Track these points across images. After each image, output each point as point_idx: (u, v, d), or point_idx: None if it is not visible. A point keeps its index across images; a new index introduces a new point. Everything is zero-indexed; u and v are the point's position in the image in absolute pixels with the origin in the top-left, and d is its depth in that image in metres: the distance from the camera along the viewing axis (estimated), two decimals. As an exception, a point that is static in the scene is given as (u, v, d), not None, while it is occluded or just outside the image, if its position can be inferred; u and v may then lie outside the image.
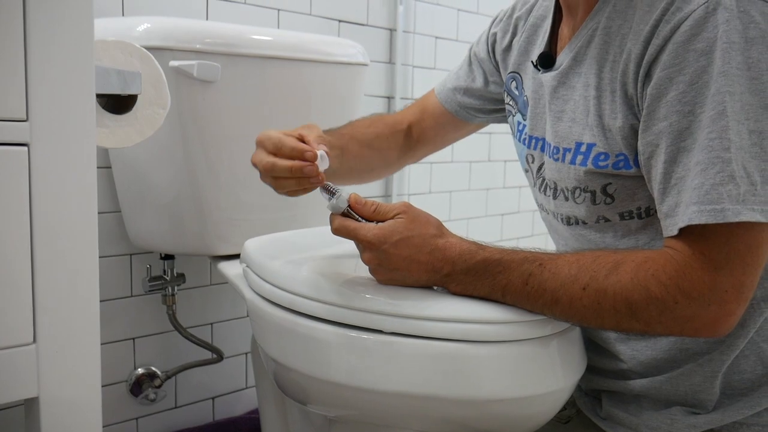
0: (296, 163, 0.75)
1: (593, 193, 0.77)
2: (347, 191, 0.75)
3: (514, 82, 0.94)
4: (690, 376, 0.77)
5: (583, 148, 0.76)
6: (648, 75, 0.68)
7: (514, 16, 0.95)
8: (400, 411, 0.74)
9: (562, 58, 0.80)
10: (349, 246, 0.82)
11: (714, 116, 0.63)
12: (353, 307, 0.72)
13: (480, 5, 1.81)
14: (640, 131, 0.70)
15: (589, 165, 0.76)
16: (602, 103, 0.74)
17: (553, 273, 0.69)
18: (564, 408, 0.90)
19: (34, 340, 0.53)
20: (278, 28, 1.40)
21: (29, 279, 0.52)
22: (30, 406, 0.55)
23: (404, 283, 0.74)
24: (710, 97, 0.63)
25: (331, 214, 0.75)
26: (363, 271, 0.79)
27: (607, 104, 0.73)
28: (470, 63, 1.04)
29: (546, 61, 0.83)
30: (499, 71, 0.99)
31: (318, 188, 0.77)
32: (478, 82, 1.02)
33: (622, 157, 0.73)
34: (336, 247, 0.88)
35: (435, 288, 0.75)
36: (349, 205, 0.74)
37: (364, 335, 0.72)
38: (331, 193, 0.75)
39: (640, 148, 0.70)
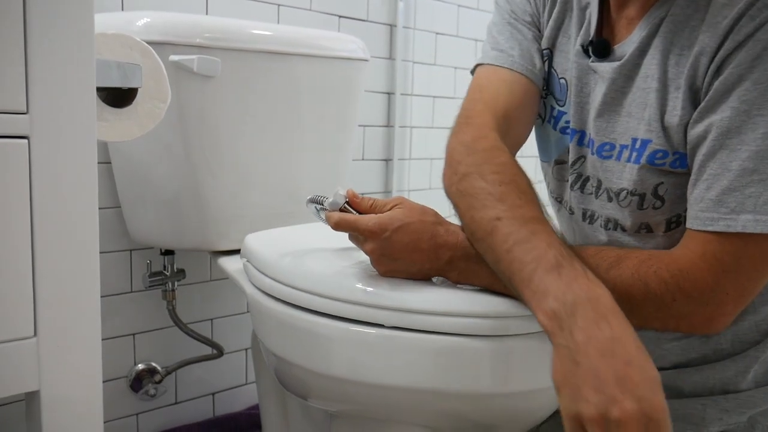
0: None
1: (642, 197, 0.74)
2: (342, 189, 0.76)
3: (547, 61, 0.85)
4: (722, 371, 0.77)
5: (637, 144, 0.73)
6: (719, 70, 0.65)
7: None
8: (401, 405, 0.73)
9: (624, 49, 0.74)
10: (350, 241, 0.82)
11: None
12: (354, 302, 0.72)
13: (480, 1, 1.81)
14: (692, 120, 0.67)
15: (644, 162, 0.72)
16: (665, 98, 0.70)
17: None
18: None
19: (35, 334, 0.53)
20: (278, 23, 1.40)
21: (30, 272, 0.52)
22: (31, 400, 0.55)
23: (406, 274, 0.73)
24: None
25: (329, 212, 0.76)
26: (364, 265, 0.79)
27: (670, 100, 0.70)
28: (517, 21, 0.86)
29: (601, 49, 0.76)
30: (539, 31, 0.86)
31: (306, 203, 0.80)
32: (528, 33, 0.85)
33: (678, 156, 0.71)
34: (337, 242, 0.88)
35: (434, 279, 0.75)
36: (347, 201, 0.75)
37: (365, 330, 0.72)
38: (320, 202, 0.77)
39: (689, 137, 0.68)
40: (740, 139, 0.63)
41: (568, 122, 0.82)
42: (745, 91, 0.63)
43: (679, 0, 0.70)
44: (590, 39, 0.78)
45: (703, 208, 0.64)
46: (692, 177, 0.67)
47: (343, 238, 0.80)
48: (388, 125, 1.67)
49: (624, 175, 0.75)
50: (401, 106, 1.67)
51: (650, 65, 0.71)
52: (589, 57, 0.78)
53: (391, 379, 0.70)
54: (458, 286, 0.74)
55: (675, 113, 0.69)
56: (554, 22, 0.83)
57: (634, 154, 0.73)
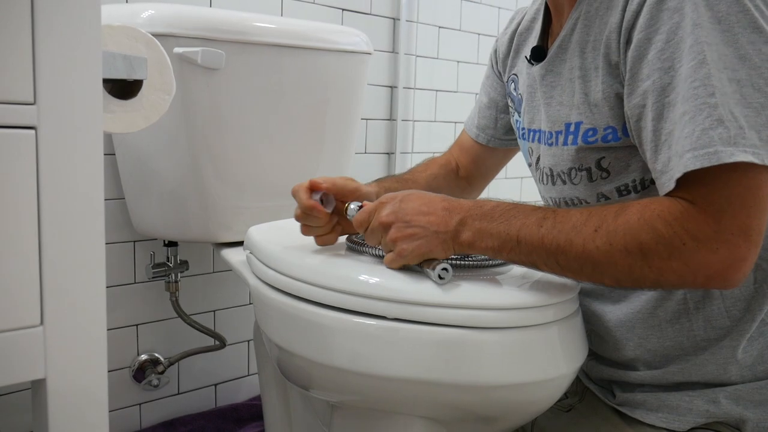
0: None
1: (588, 170, 0.78)
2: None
3: (513, 84, 0.96)
4: (703, 365, 0.77)
5: (572, 128, 0.79)
6: (628, 40, 0.70)
7: (514, 22, 1.00)
8: (402, 396, 0.74)
9: (551, 50, 0.84)
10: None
11: (695, 65, 0.64)
12: (356, 293, 0.73)
13: (483, -5, 1.81)
14: (625, 96, 0.71)
15: (579, 143, 0.78)
16: (587, 80, 0.77)
17: (566, 217, 0.69)
18: (566, 396, 0.91)
19: (42, 323, 0.53)
20: (282, 16, 1.40)
21: (37, 262, 0.52)
22: (37, 388, 0.56)
23: (418, 247, 0.73)
24: (688, 49, 0.65)
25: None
26: (366, 257, 0.80)
27: (591, 80, 0.76)
28: (481, 88, 1.09)
29: (538, 55, 0.86)
30: (502, 82, 1.03)
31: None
32: (484, 99, 1.07)
33: (609, 130, 0.75)
34: (339, 235, 0.88)
35: (432, 275, 0.75)
36: (360, 205, 0.80)
37: (367, 321, 0.72)
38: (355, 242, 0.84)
39: (627, 112, 0.71)
40: (676, 93, 0.65)
41: (524, 128, 0.91)
42: (661, 51, 0.67)
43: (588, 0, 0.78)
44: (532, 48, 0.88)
45: (674, 164, 0.66)
46: (650, 146, 0.68)
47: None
48: (391, 119, 1.67)
49: (565, 157, 0.80)
50: (404, 99, 1.67)
51: (572, 58, 0.79)
52: (532, 64, 0.87)
53: (392, 371, 0.71)
54: (462, 269, 0.75)
55: (598, 89, 0.75)
56: (515, 53, 0.97)
57: (570, 137, 0.79)
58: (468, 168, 1.11)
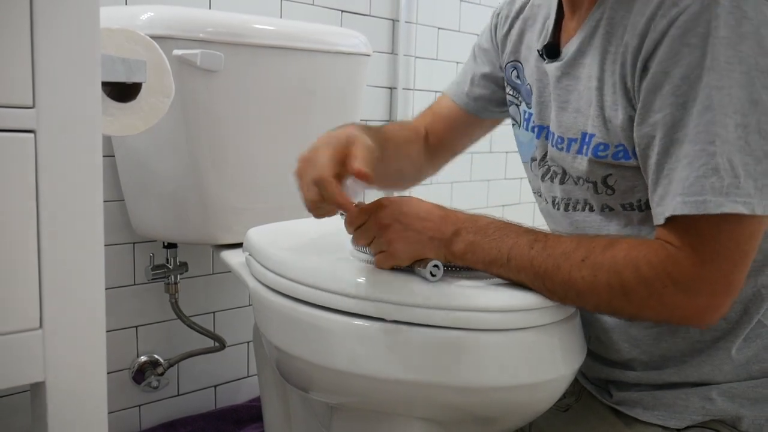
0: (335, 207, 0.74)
1: (594, 184, 0.78)
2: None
3: (515, 71, 0.94)
4: (699, 367, 0.78)
5: (586, 138, 0.78)
6: (645, 69, 0.69)
7: (517, 3, 0.96)
8: (402, 398, 0.74)
9: (567, 49, 0.81)
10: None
11: (701, 110, 0.64)
12: (355, 296, 0.73)
13: (482, -4, 1.81)
14: (636, 123, 0.71)
15: (590, 155, 0.77)
16: (604, 94, 0.75)
17: (556, 242, 0.71)
18: (563, 396, 0.91)
19: (41, 326, 0.53)
20: (281, 17, 1.40)
21: (36, 264, 0.52)
22: (36, 390, 0.56)
23: (418, 246, 0.74)
24: (700, 90, 0.65)
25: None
26: (366, 258, 0.80)
27: (608, 96, 0.74)
28: (475, 57, 1.05)
29: (551, 52, 0.84)
30: (499, 56, 1.00)
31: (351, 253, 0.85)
32: (485, 69, 1.02)
33: (621, 148, 0.74)
34: (339, 236, 0.88)
35: (428, 276, 0.75)
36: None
37: (367, 323, 0.72)
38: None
39: (636, 139, 0.71)
40: (685, 132, 0.65)
41: (534, 122, 0.89)
42: (677, 87, 0.66)
43: (612, 2, 0.75)
44: (545, 43, 0.85)
45: (667, 202, 0.66)
46: (652, 177, 0.69)
47: (344, 233, 0.80)
48: (390, 120, 1.67)
49: (575, 165, 0.80)
50: (403, 100, 1.67)
51: (592, 65, 0.77)
52: (545, 60, 0.85)
53: (391, 373, 0.71)
54: (455, 276, 0.75)
55: (615, 108, 0.73)
56: (516, 37, 0.94)
57: (585, 147, 0.78)
58: (439, 136, 1.05)
